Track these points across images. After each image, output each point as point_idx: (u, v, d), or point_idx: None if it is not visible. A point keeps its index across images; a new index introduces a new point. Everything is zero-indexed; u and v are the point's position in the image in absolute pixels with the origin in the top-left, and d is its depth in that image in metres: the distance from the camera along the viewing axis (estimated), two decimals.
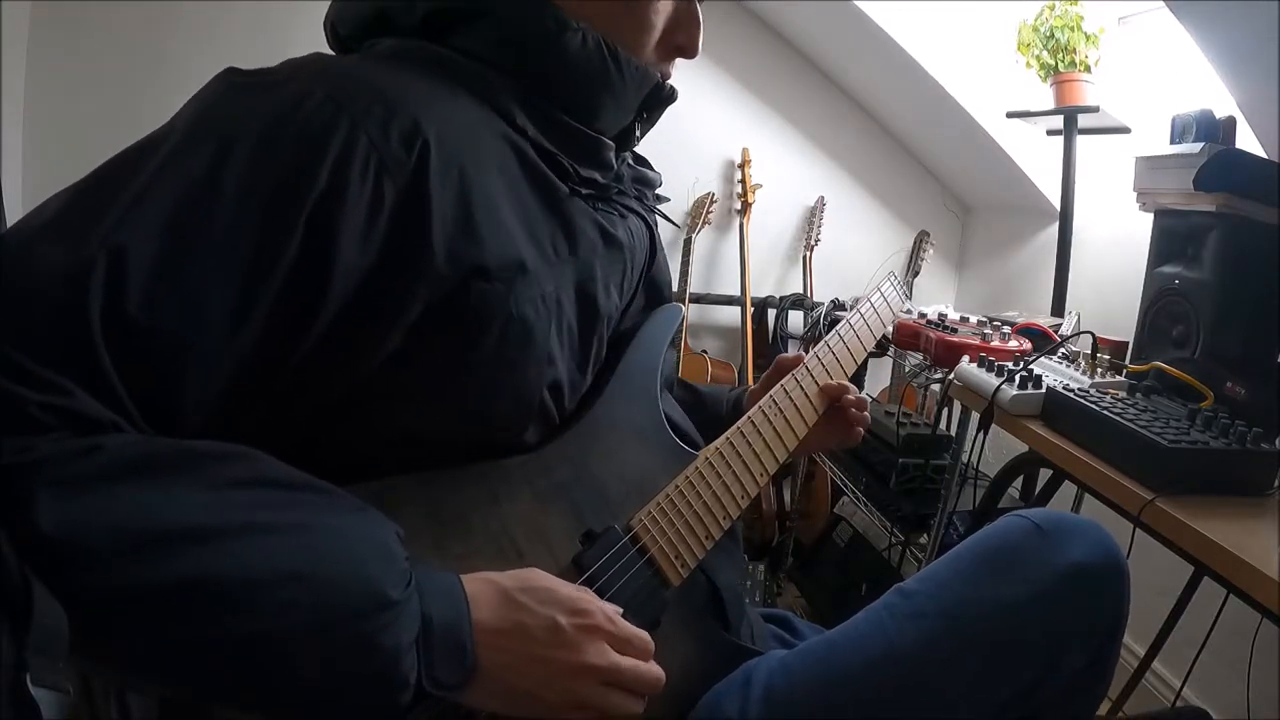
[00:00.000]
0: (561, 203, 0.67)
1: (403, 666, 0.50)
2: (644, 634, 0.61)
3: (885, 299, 1.10)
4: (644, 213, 0.80)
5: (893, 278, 1.15)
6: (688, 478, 0.75)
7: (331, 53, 0.70)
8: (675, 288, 2.48)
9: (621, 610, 0.62)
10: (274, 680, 0.48)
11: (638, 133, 0.76)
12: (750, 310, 2.56)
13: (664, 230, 0.86)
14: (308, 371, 0.55)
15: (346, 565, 0.49)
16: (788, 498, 2.43)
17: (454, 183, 0.58)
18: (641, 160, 0.83)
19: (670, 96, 0.75)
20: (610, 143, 0.72)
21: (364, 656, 0.48)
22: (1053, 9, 1.94)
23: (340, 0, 0.70)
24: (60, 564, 0.42)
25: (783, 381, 0.89)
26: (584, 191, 0.70)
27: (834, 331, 1.00)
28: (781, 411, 0.87)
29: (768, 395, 0.87)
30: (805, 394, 0.91)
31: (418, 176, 0.56)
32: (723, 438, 0.80)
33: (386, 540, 0.52)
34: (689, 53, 0.74)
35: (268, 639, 0.47)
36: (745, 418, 0.83)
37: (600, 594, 0.63)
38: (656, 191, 0.84)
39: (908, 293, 1.19)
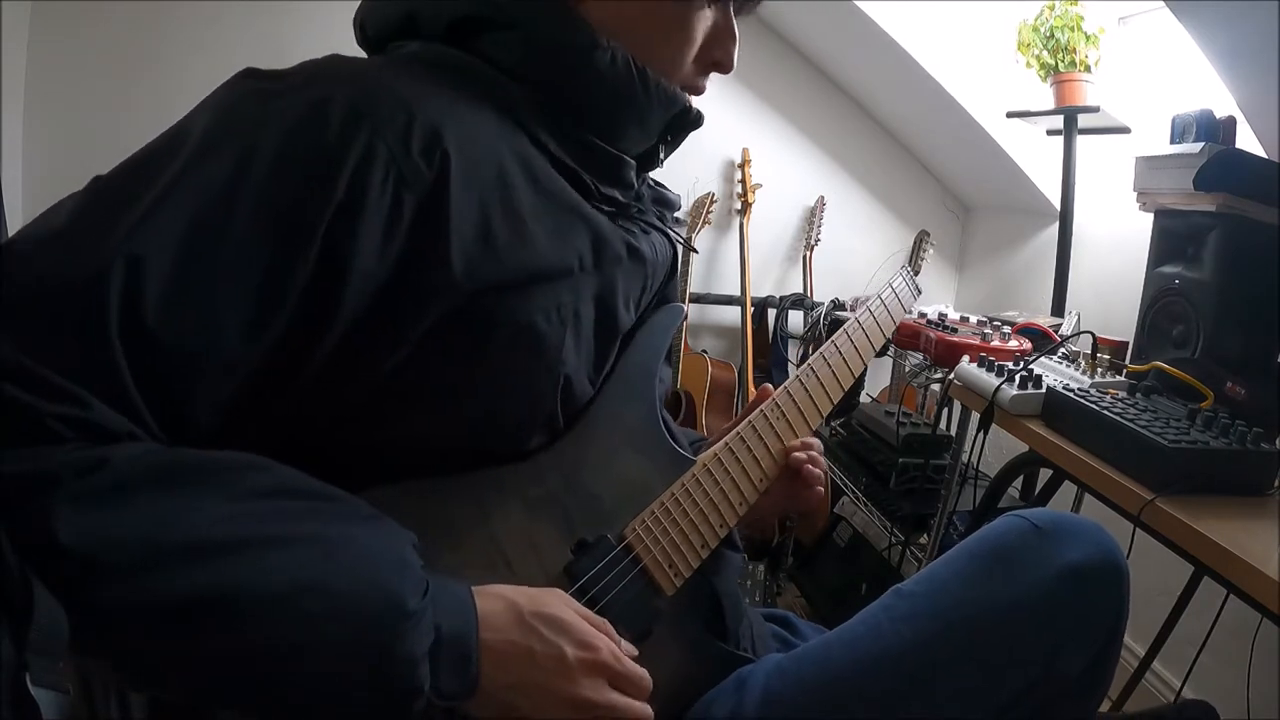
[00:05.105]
0: (586, 214, 0.66)
1: (418, 675, 0.50)
2: (645, 674, 0.61)
3: (896, 294, 1.07)
4: (666, 230, 0.79)
5: (906, 271, 1.13)
6: (684, 485, 0.74)
7: (348, 54, 0.69)
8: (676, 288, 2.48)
9: (636, 653, 0.62)
10: (290, 688, 0.48)
11: (662, 154, 0.75)
12: (750, 310, 2.56)
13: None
14: (318, 378, 0.55)
15: (363, 575, 0.49)
16: None
17: (474, 194, 0.57)
18: (659, 183, 0.82)
19: (696, 121, 0.74)
20: (631, 161, 0.71)
21: (380, 665, 0.49)
22: (1053, 9, 1.94)
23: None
24: (80, 575, 0.42)
25: (786, 383, 0.87)
26: (605, 208, 0.69)
27: (841, 331, 0.96)
28: (784, 414, 0.85)
29: (770, 399, 0.85)
30: (810, 396, 0.88)
31: (437, 188, 0.55)
32: (721, 443, 0.79)
33: (402, 549, 0.53)
34: (725, 67, 0.72)
35: (286, 650, 0.47)
36: (746, 421, 0.82)
37: (591, 604, 0.63)
38: (676, 214, 0.83)
39: (917, 289, 1.16)
